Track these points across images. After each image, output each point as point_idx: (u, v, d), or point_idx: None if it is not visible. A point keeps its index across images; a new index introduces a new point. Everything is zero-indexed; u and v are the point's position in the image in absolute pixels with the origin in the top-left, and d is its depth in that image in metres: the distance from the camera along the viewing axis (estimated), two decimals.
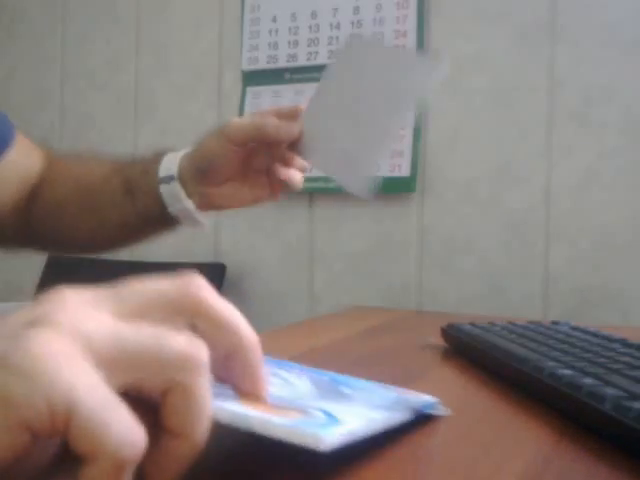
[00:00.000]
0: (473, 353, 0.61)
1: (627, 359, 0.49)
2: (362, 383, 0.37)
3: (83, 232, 0.75)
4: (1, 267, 1.89)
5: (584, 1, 1.40)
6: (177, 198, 0.68)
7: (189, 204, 0.68)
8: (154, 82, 1.81)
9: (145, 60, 1.83)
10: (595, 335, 0.62)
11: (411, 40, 1.51)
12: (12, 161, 0.73)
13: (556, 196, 1.42)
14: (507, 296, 1.45)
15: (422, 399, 0.36)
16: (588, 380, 0.43)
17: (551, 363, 0.48)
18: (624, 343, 0.58)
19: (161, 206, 0.69)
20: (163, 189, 0.68)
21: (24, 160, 0.75)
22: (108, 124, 1.84)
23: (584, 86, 1.39)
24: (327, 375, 0.37)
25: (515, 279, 1.45)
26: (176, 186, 0.67)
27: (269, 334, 0.89)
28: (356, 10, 1.54)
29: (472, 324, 0.69)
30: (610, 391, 0.40)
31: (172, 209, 0.69)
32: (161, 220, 0.71)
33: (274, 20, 1.63)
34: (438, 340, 0.70)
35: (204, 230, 0.73)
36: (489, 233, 1.47)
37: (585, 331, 0.65)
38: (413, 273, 1.52)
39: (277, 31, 1.63)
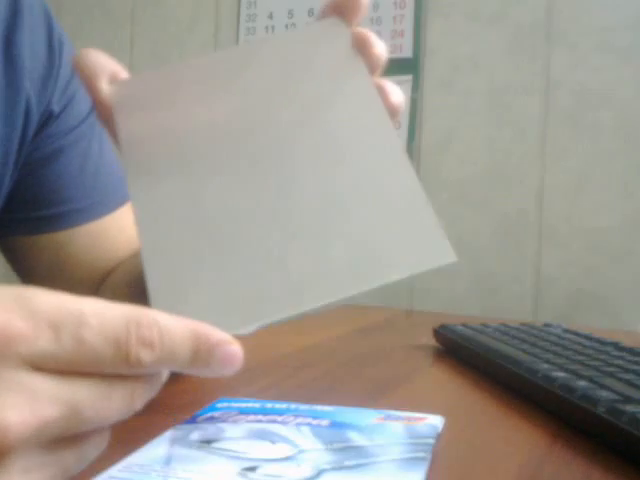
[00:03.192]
0: (466, 354, 0.61)
1: (620, 362, 0.49)
2: (364, 418, 0.35)
3: None
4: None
5: (580, 5, 1.40)
6: None
7: None
8: None
9: (139, 54, 1.82)
10: (588, 338, 0.62)
11: (408, 40, 1.51)
12: (113, 226, 0.61)
13: (549, 198, 1.42)
14: (498, 297, 1.45)
15: (430, 427, 0.35)
16: (582, 383, 0.43)
17: (545, 365, 0.48)
18: (617, 346, 0.58)
19: None
20: None
21: (131, 230, 0.60)
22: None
23: (579, 89, 1.40)
24: (325, 415, 0.36)
25: (507, 280, 1.45)
26: None
27: (258, 332, 0.89)
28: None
29: (464, 325, 0.69)
30: (604, 394, 0.40)
31: None
32: None
33: (270, 17, 1.63)
34: (430, 340, 0.70)
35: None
36: (481, 234, 1.47)
37: (578, 334, 0.65)
38: None
39: (273, 28, 1.62)
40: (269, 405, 0.37)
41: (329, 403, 0.39)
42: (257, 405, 0.37)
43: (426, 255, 0.29)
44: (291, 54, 0.37)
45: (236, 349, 0.25)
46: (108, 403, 0.24)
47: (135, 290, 0.55)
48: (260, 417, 0.34)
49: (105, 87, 0.35)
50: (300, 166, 0.32)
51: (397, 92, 0.37)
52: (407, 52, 1.51)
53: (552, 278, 1.42)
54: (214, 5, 1.74)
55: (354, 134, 0.33)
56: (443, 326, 0.69)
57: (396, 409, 0.38)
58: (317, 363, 0.61)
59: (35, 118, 0.55)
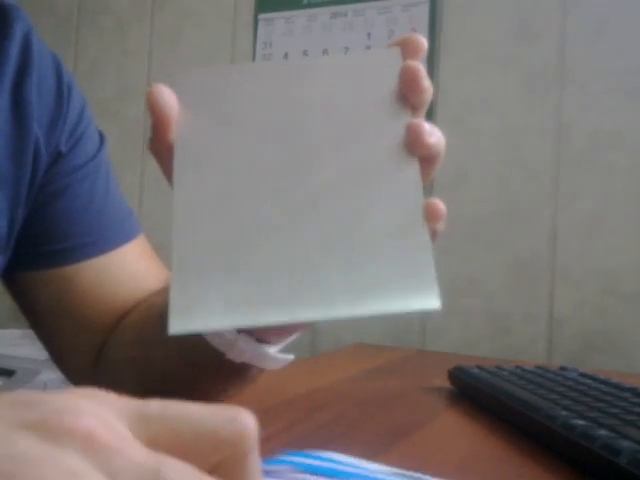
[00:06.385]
0: (481, 398, 0.60)
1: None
2: None
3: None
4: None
5: (592, 48, 1.41)
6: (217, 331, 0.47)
7: (239, 338, 0.47)
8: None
9: None
10: (605, 383, 0.61)
11: None
12: (118, 262, 0.62)
13: (562, 239, 1.42)
14: (511, 337, 1.44)
15: None
16: (603, 432, 0.42)
17: (564, 412, 0.47)
18: (635, 392, 0.57)
19: (207, 346, 0.49)
20: None
21: (135, 267, 0.63)
22: (116, 155, 1.84)
23: (591, 130, 1.40)
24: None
25: (519, 321, 1.44)
26: None
27: (269, 371, 0.88)
28: (367, 49, 1.56)
29: (479, 367, 0.68)
30: (626, 444, 0.39)
31: (221, 347, 0.48)
32: (220, 366, 0.50)
33: (286, 57, 1.65)
34: (444, 382, 0.69)
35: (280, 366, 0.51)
36: (494, 274, 1.46)
37: (594, 378, 0.64)
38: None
39: None
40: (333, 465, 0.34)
41: (342, 448, 0.38)
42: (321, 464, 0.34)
43: (416, 298, 0.33)
44: (343, 77, 0.40)
45: None
46: None
47: (144, 339, 0.56)
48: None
49: (173, 130, 0.38)
50: (327, 188, 0.36)
51: (434, 134, 0.38)
52: None
53: (565, 319, 1.41)
54: (230, 45, 1.77)
55: (380, 171, 0.37)
56: (458, 368, 0.69)
57: (412, 456, 0.38)
58: (329, 406, 0.60)
59: (44, 159, 0.58)
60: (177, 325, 0.32)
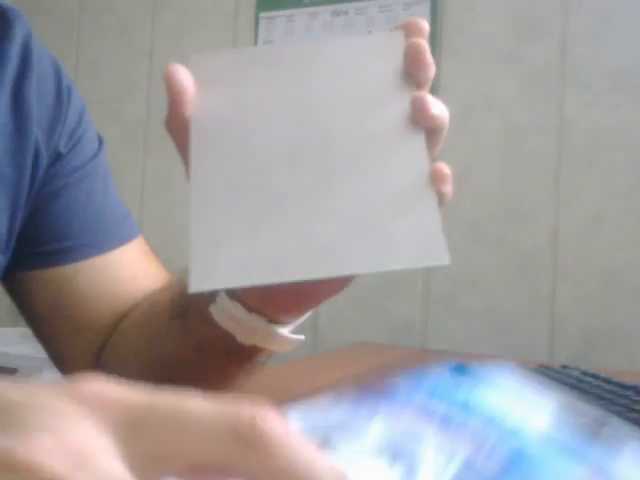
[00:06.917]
0: None
1: None
2: None
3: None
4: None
5: (594, 46, 1.41)
6: (228, 312, 0.46)
7: (250, 318, 0.46)
8: (165, 113, 1.82)
9: (157, 91, 1.84)
10: (607, 382, 0.61)
11: None
12: (117, 262, 0.62)
13: (564, 237, 1.42)
14: (512, 336, 1.44)
15: None
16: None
17: None
18: (637, 390, 0.57)
19: (218, 330, 0.47)
20: (212, 305, 0.47)
21: (134, 267, 0.63)
22: (117, 153, 1.85)
23: (593, 129, 1.40)
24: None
25: (521, 319, 1.44)
26: (224, 299, 0.46)
27: (270, 371, 0.88)
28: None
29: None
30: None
31: (230, 329, 0.47)
32: (230, 351, 0.49)
33: None
34: None
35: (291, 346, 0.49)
36: (495, 273, 1.46)
37: (596, 377, 0.64)
38: (418, 310, 1.51)
39: None
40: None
41: None
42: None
43: (425, 254, 0.33)
44: (351, 58, 0.42)
45: None
46: None
47: (152, 330, 0.56)
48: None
49: (189, 106, 0.40)
50: (337, 161, 0.38)
51: (438, 106, 0.39)
52: None
53: (567, 317, 1.41)
54: (231, 44, 1.77)
55: (388, 142, 0.38)
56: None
57: None
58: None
59: (44, 161, 0.58)
60: (197, 283, 0.33)
